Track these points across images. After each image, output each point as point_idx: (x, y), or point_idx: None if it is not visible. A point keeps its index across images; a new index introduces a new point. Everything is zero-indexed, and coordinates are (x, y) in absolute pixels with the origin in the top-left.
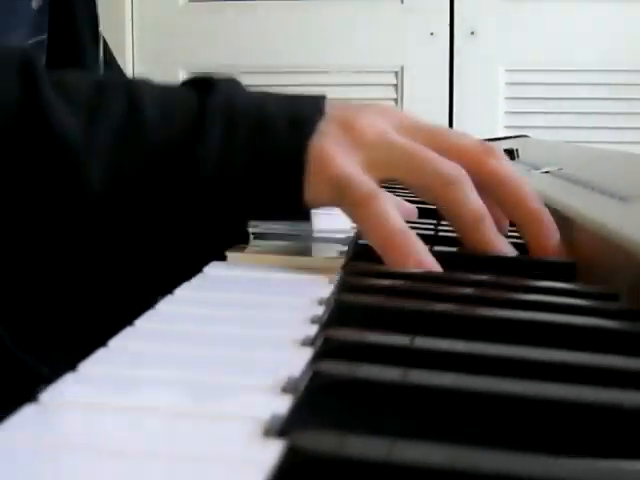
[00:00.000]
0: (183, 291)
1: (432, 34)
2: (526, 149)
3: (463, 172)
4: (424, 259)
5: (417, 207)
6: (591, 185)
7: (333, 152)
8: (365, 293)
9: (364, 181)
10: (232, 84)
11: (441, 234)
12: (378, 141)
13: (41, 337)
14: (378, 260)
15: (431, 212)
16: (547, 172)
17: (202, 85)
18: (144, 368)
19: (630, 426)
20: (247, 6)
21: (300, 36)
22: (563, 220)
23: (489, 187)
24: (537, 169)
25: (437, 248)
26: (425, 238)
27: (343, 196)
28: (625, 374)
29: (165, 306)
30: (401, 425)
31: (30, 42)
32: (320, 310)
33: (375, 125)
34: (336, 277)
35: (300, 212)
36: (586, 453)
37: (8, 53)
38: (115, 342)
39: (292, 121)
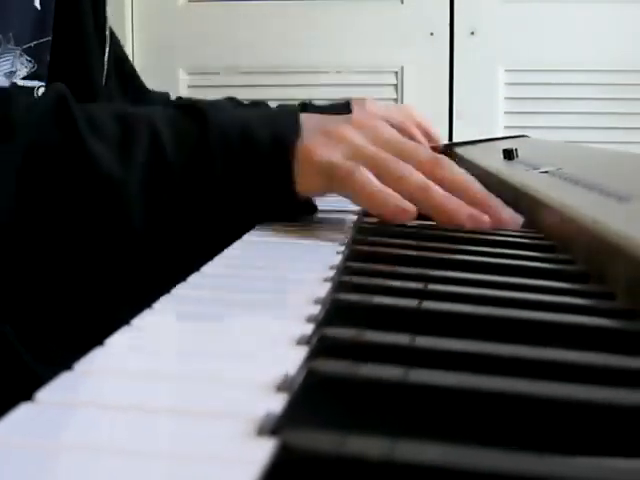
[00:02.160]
0: (180, 290)
1: (432, 34)
2: (526, 149)
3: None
4: (402, 204)
5: None
6: (590, 185)
7: (315, 147)
8: (361, 292)
9: (345, 162)
10: (219, 111)
11: (439, 233)
12: (352, 144)
13: (41, 335)
14: (375, 259)
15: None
16: (546, 172)
17: (198, 115)
18: (139, 367)
19: (628, 424)
20: (247, 6)
21: (300, 36)
22: (562, 220)
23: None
24: (537, 169)
25: (435, 245)
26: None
27: (331, 178)
28: (621, 373)
29: (161, 305)
30: (396, 424)
31: (34, 43)
32: (316, 309)
33: (351, 134)
34: (332, 275)
35: (298, 203)
36: (584, 452)
37: (44, 93)
38: (111, 340)
39: (275, 139)
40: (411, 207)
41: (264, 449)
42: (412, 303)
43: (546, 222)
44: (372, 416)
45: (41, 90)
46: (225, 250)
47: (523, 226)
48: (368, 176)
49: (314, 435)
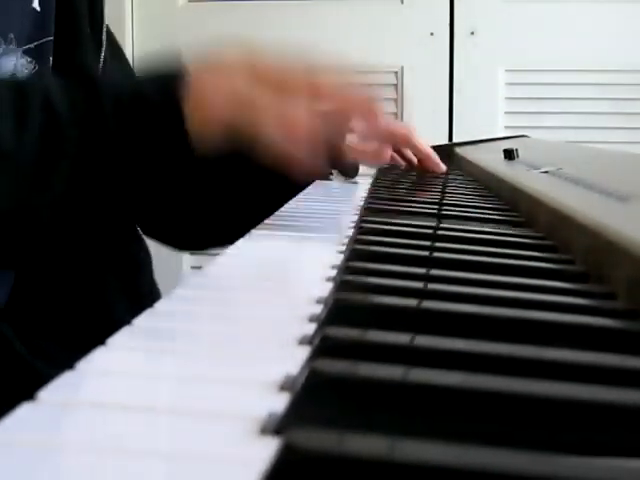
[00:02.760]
0: (181, 290)
1: (432, 34)
2: (526, 149)
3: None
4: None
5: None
6: (590, 185)
7: (206, 82)
8: (363, 292)
9: (246, 89)
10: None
11: (440, 232)
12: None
13: (41, 335)
14: (376, 258)
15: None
16: (546, 172)
17: (88, 81)
18: (141, 366)
19: (628, 424)
20: (247, 6)
21: (300, 36)
22: (562, 220)
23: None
24: (537, 169)
25: (437, 244)
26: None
27: (234, 107)
28: (622, 373)
29: (162, 306)
30: (398, 423)
31: (34, 44)
32: (318, 309)
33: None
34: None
35: (203, 150)
36: (584, 451)
37: None
38: (113, 340)
39: (163, 93)
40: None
41: (267, 449)
42: (413, 303)
43: (546, 222)
44: (375, 415)
45: None
46: (226, 249)
47: (521, 225)
48: (274, 104)
49: (317, 434)
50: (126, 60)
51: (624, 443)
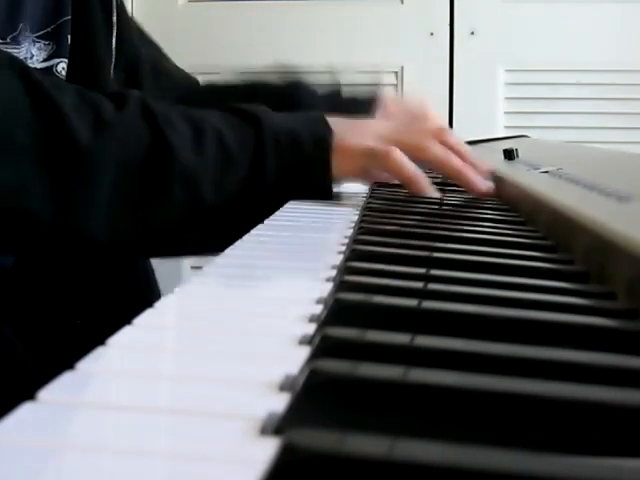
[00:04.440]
0: (182, 290)
1: (432, 34)
2: (526, 149)
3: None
4: (427, 187)
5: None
6: (590, 185)
7: (349, 138)
8: (363, 292)
9: (380, 144)
10: (270, 116)
11: (440, 232)
12: (378, 132)
13: (41, 335)
14: (376, 258)
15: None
16: (546, 172)
17: (253, 120)
18: (142, 367)
19: (628, 424)
20: (247, 6)
21: (300, 36)
22: (562, 220)
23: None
24: (537, 169)
25: (437, 245)
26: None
27: (370, 159)
28: (622, 373)
29: (162, 305)
30: (399, 423)
31: (51, 28)
32: (318, 309)
33: (375, 124)
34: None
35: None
36: (584, 451)
37: (128, 98)
38: (113, 340)
39: (316, 139)
40: (430, 188)
41: (267, 449)
42: (413, 303)
43: (546, 222)
44: (374, 415)
45: (61, 65)
46: (227, 249)
47: (521, 225)
48: (402, 156)
49: (317, 434)
50: (138, 28)
51: (624, 443)
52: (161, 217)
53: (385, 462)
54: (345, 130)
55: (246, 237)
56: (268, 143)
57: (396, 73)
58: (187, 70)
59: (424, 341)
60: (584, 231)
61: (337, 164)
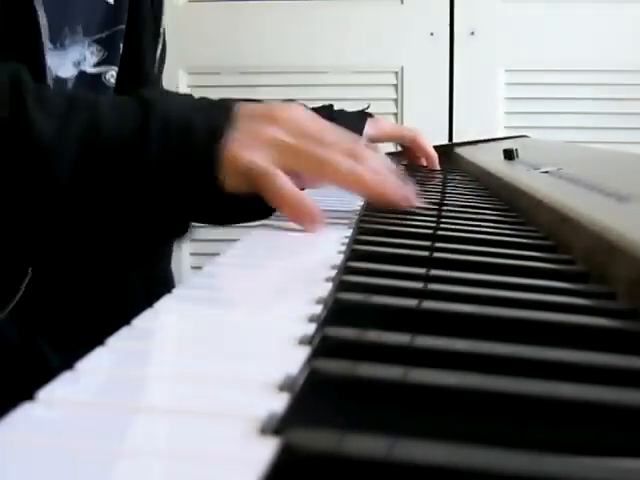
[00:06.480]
0: (181, 290)
1: (432, 34)
2: (526, 149)
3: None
4: (312, 209)
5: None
6: (590, 185)
7: (239, 148)
8: (363, 292)
9: (262, 164)
10: (170, 104)
11: (440, 232)
12: (275, 141)
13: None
14: (376, 258)
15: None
16: (546, 172)
17: (145, 103)
18: (141, 367)
19: (628, 424)
20: (246, 6)
21: (300, 36)
22: (562, 220)
23: None
24: (537, 169)
25: (437, 244)
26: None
27: (250, 179)
28: (622, 373)
29: (162, 305)
30: (399, 423)
31: (105, 34)
32: (318, 309)
33: (277, 134)
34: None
35: (227, 199)
36: (584, 451)
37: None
38: (113, 341)
39: (210, 132)
40: (319, 213)
41: (267, 449)
42: (413, 303)
43: (546, 222)
44: (374, 415)
45: (109, 74)
46: (227, 249)
47: (521, 225)
48: (282, 180)
49: (317, 435)
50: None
51: (624, 443)
52: (9, 189)
53: (384, 462)
54: (242, 135)
55: (245, 237)
56: (154, 128)
57: (396, 73)
58: (187, 70)
59: (424, 341)
60: (584, 231)
61: (225, 174)
